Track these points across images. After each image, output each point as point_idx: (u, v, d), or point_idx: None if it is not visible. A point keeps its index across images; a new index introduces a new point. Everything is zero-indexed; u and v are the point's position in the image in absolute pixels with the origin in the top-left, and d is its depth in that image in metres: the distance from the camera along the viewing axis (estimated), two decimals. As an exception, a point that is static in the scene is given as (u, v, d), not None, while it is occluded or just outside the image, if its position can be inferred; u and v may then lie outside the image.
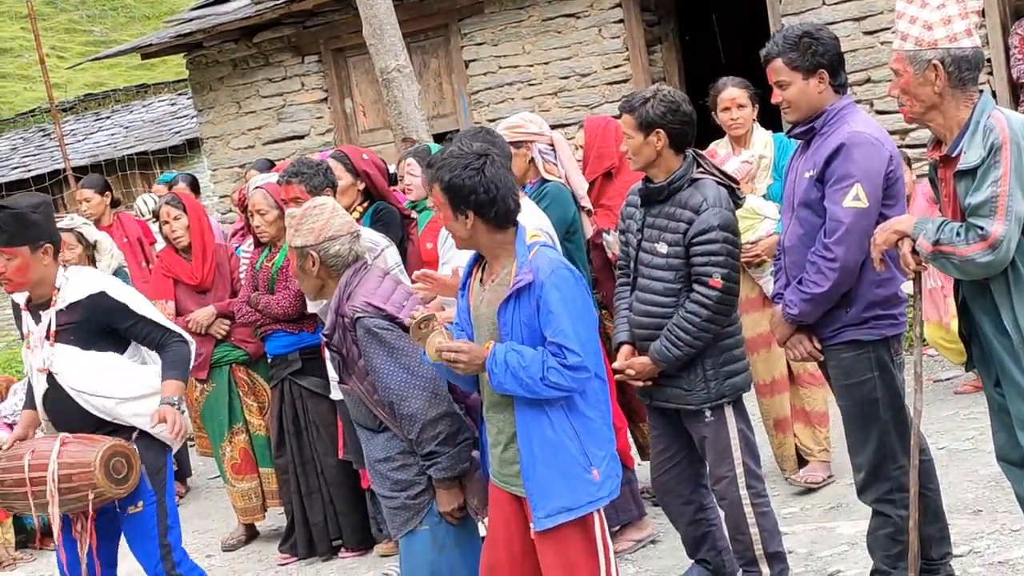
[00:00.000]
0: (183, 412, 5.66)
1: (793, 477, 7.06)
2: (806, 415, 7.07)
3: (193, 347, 5.92)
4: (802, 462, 7.14)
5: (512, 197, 4.52)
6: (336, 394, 6.80)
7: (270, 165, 9.57)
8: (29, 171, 19.82)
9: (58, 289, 5.72)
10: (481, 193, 4.44)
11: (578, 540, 4.54)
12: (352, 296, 4.84)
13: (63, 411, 5.70)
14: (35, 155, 21.02)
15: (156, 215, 8.49)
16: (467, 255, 5.93)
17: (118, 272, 9.21)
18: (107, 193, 10.01)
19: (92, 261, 9.17)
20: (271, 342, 7.54)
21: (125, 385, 5.71)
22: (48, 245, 5.72)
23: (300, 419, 7.53)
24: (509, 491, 4.66)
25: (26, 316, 5.87)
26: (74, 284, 5.74)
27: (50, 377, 5.70)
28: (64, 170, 16.68)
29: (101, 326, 5.73)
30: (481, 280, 4.70)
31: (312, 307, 6.95)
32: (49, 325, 5.70)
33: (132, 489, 5.60)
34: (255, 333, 7.68)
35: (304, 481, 7.57)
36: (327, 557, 7.55)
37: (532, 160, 6.42)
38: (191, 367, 5.91)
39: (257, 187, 7.55)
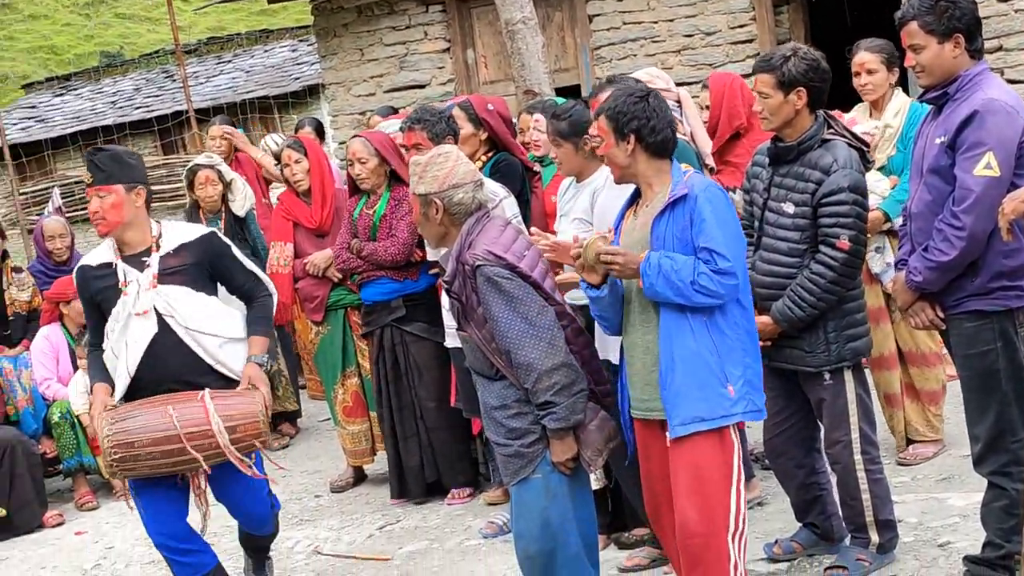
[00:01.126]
0: (270, 368, 5.73)
1: (902, 455, 6.98)
2: (916, 393, 6.98)
3: (276, 300, 6.08)
4: (909, 440, 7.06)
5: (672, 128, 4.78)
6: (451, 342, 6.84)
7: (392, 112, 9.62)
8: (151, 111, 20.08)
9: (157, 236, 5.81)
10: (643, 119, 4.70)
11: (713, 451, 4.68)
12: (473, 244, 4.87)
13: (170, 357, 5.74)
14: (157, 96, 21.30)
15: (278, 158, 8.58)
16: (584, 208, 5.96)
17: (249, 212, 9.38)
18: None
19: (225, 200, 9.33)
20: (371, 289, 7.59)
21: (226, 327, 5.85)
22: (141, 188, 5.79)
23: (400, 364, 7.60)
24: (651, 417, 4.80)
25: (122, 267, 5.84)
26: (175, 230, 5.87)
27: (160, 321, 5.74)
28: (187, 111, 16.89)
29: (208, 268, 5.84)
30: (635, 214, 4.88)
31: (432, 255, 7.00)
32: (155, 269, 5.76)
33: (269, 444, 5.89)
34: (352, 279, 7.74)
35: (400, 425, 7.66)
36: (421, 500, 7.67)
37: None
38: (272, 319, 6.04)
39: (356, 135, 7.61)
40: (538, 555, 4.92)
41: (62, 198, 17.99)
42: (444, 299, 6.64)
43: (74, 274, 6.11)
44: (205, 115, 16.73)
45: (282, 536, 7.43)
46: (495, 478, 7.30)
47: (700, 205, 4.63)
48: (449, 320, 6.66)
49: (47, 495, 8.98)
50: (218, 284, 6.01)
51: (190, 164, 9.23)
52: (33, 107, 23.47)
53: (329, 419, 9.27)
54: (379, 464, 8.10)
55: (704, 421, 4.65)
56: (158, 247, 5.80)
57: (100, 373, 5.92)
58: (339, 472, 8.43)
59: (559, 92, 10.24)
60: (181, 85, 17.86)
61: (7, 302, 9.45)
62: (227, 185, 9.26)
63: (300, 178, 8.10)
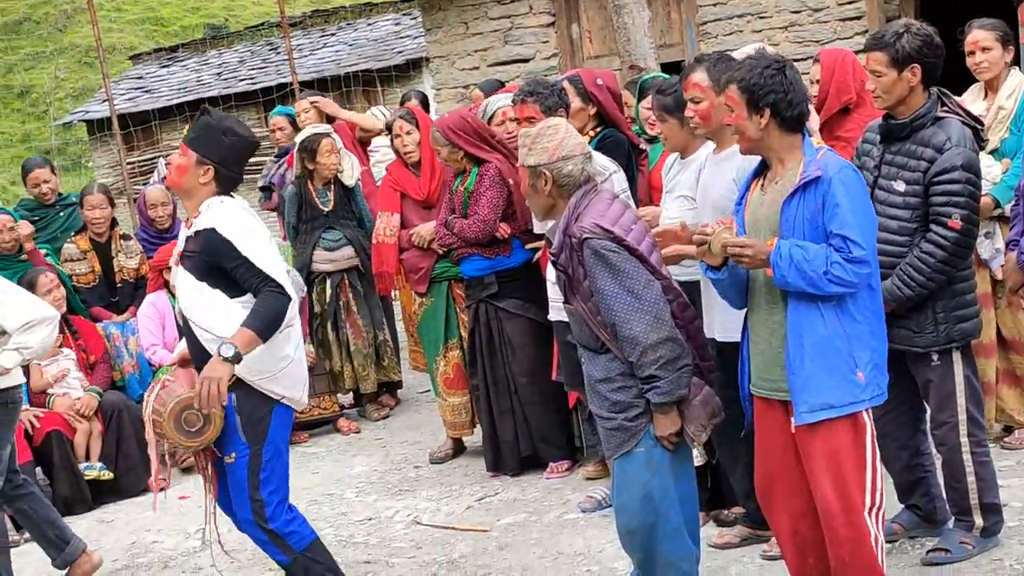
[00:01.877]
0: (237, 364, 5.31)
1: (1007, 439, 6.88)
2: (1017, 379, 6.87)
3: (294, 302, 5.55)
4: (1007, 428, 6.97)
5: (806, 103, 4.69)
6: (555, 315, 6.85)
7: (499, 86, 9.63)
8: (255, 83, 20.29)
9: (199, 214, 5.62)
10: (780, 92, 4.60)
11: (847, 436, 4.64)
12: (581, 217, 4.86)
13: (188, 333, 5.70)
14: (261, 68, 21.50)
15: (389, 128, 8.63)
16: (690, 184, 5.94)
17: (357, 182, 9.46)
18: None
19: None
20: (466, 265, 7.65)
21: (220, 326, 5.49)
22: (211, 168, 5.59)
23: (494, 340, 7.65)
24: (774, 397, 4.77)
25: (183, 234, 5.78)
26: (205, 215, 5.59)
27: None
28: (291, 84, 17.03)
29: (210, 262, 5.55)
30: (762, 187, 4.80)
31: (539, 227, 7.01)
32: (180, 247, 5.74)
33: (209, 442, 5.53)
34: (450, 255, 7.80)
35: (496, 400, 7.71)
36: (516, 473, 7.71)
37: None
38: (282, 320, 5.46)
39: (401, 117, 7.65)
40: (639, 529, 4.92)
41: (167, 167, 18.22)
42: (549, 272, 6.65)
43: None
44: (310, 87, 16.85)
45: (382, 505, 7.57)
46: (594, 452, 7.30)
47: (834, 189, 4.53)
48: (553, 293, 6.67)
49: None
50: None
51: (308, 134, 9.27)
52: (140, 78, 23.80)
53: (429, 391, 9.33)
54: (478, 436, 8.13)
55: (833, 408, 4.60)
56: (190, 224, 5.68)
57: None
58: (438, 443, 8.48)
59: (664, 68, 10.18)
60: (285, 58, 17.99)
61: (116, 269, 9.62)
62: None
63: (411, 149, 8.17)
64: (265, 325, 5.38)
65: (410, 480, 8.07)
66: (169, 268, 9.06)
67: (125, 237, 9.76)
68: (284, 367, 5.60)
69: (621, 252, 4.77)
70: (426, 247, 7.95)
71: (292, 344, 5.66)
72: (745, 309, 4.92)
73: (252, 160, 6.28)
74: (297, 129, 10.28)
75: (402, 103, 10.42)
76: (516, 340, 7.59)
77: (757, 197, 4.81)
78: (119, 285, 9.65)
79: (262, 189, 10.58)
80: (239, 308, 5.49)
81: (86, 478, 8.61)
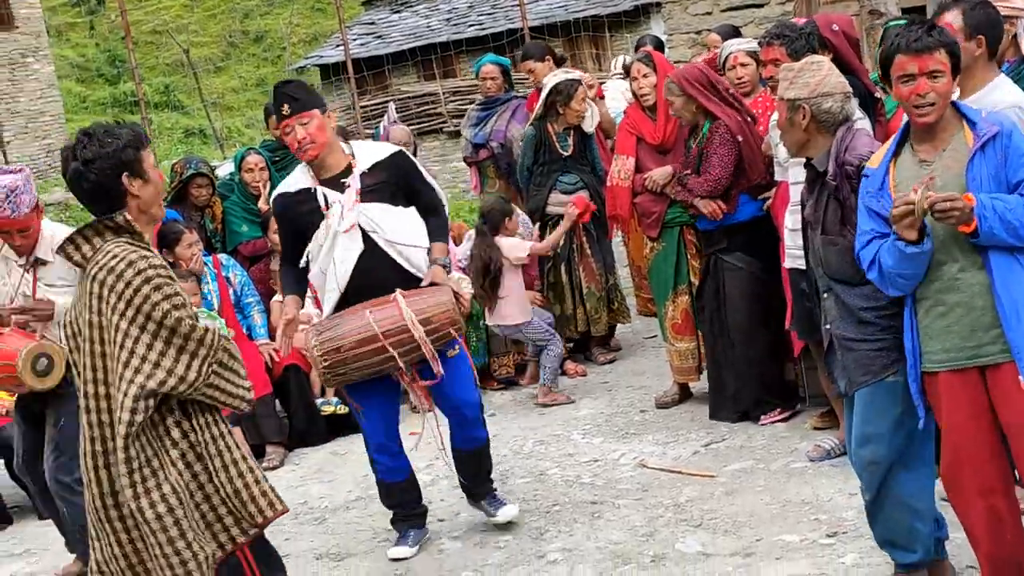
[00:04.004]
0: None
1: None
2: None
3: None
4: None
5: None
6: (790, 262, 6.77)
7: (734, 32, 9.52)
8: (484, 29, 20.48)
9: (351, 155, 6.10)
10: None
11: None
12: (850, 149, 4.89)
13: (377, 269, 6.09)
14: (491, 14, 21.68)
15: (627, 71, 8.64)
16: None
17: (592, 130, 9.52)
18: (546, 59, 10.19)
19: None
20: (701, 218, 7.66)
21: (422, 236, 6.21)
22: (331, 112, 6.07)
23: (720, 292, 7.67)
24: (972, 365, 4.57)
25: (320, 191, 6.11)
26: (366, 150, 6.16)
27: (365, 237, 6.04)
28: (521, 30, 17.14)
29: (400, 183, 6.11)
30: (921, 160, 4.63)
31: (779, 174, 6.97)
32: (356, 186, 6.07)
33: (443, 343, 6.10)
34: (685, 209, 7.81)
35: (720, 349, 7.75)
36: (737, 421, 7.72)
37: (1015, 37, 6.15)
38: None
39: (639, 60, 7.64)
40: (884, 460, 4.88)
41: (397, 112, 18.53)
42: (787, 220, 6.61)
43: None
44: (539, 33, 16.94)
45: (608, 448, 7.62)
46: (818, 402, 7.26)
47: (1015, 140, 4.44)
48: (790, 241, 6.63)
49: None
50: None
51: (562, 79, 9.31)
52: (372, 23, 24.23)
53: (656, 336, 9.36)
54: (705, 382, 8.13)
55: None
56: (354, 165, 6.09)
57: (292, 286, 6.32)
58: (664, 388, 8.50)
59: (904, 11, 9.92)
60: (516, 3, 18.11)
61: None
62: None
63: (647, 92, 8.16)
64: (448, 238, 6.27)
65: (636, 424, 8.11)
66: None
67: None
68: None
69: None
70: (659, 192, 7.95)
71: None
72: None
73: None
74: (508, 80, 10.37)
75: (637, 48, 10.38)
76: (739, 293, 7.60)
77: (908, 167, 4.64)
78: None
79: (473, 144, 10.61)
80: (418, 216, 6.21)
81: (322, 413, 8.89)
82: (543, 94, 9.31)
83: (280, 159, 10.06)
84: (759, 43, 7.12)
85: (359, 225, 6.05)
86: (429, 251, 6.22)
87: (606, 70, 15.89)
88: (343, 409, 8.85)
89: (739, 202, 7.53)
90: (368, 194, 6.05)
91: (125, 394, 4.09)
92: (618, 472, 7.22)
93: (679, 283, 8.10)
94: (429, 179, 6.33)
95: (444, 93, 23.11)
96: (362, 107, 21.13)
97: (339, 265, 6.10)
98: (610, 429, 8.06)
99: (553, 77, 9.39)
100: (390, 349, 5.96)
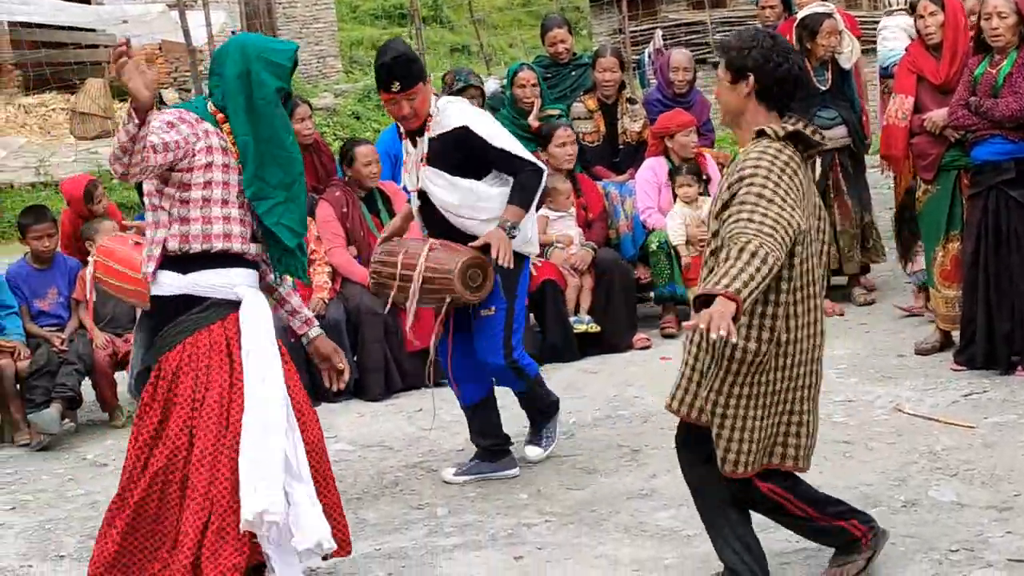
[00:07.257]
0: (514, 237, 6.12)
1: None
2: None
3: (544, 174, 6.33)
4: None
5: None
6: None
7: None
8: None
9: (431, 116, 6.24)
10: None
11: None
12: None
13: (435, 224, 6.40)
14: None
15: (912, 8, 8.44)
16: None
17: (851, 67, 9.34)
18: None
19: None
20: (982, 149, 7.41)
21: (486, 209, 6.27)
22: (428, 78, 6.30)
23: (1001, 230, 7.42)
24: None
25: (405, 144, 6.45)
26: (445, 115, 6.26)
27: (422, 195, 6.32)
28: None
29: (466, 156, 6.20)
30: None
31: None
32: (423, 149, 6.28)
33: (484, 297, 6.24)
34: (965, 138, 7.55)
35: (995, 292, 7.49)
36: (1003, 371, 7.51)
37: None
38: (538, 195, 6.35)
39: None
40: None
41: (663, 39, 18.46)
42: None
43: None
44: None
45: (862, 390, 7.54)
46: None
47: None
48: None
49: (637, 319, 9.43)
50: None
51: (810, 12, 9.16)
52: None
53: (908, 283, 9.24)
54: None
55: None
56: (429, 128, 6.28)
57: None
58: (925, 335, 8.33)
59: None
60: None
61: (619, 131, 9.88)
62: None
63: (932, 31, 7.97)
64: (528, 199, 6.25)
65: (892, 368, 7.98)
66: (671, 135, 9.33)
67: (631, 101, 9.98)
68: (532, 228, 6.49)
69: None
70: (938, 133, 7.75)
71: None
72: None
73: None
74: (788, 6, 10.20)
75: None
76: (1023, 231, 7.35)
77: None
78: (621, 147, 9.90)
79: None
80: (491, 187, 6.29)
81: (575, 331, 8.99)
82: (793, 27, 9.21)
83: (552, 75, 10.13)
84: None
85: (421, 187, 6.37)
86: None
87: (883, 5, 15.48)
88: (594, 327, 8.95)
89: None
90: (432, 159, 6.27)
91: None
92: (872, 414, 7.12)
93: (951, 228, 7.91)
94: (504, 146, 6.26)
95: (712, 23, 22.87)
96: (634, 32, 21.05)
97: (413, 207, 6.56)
98: (865, 371, 7.95)
99: (804, 10, 9.25)
100: (390, 282, 6.34)
